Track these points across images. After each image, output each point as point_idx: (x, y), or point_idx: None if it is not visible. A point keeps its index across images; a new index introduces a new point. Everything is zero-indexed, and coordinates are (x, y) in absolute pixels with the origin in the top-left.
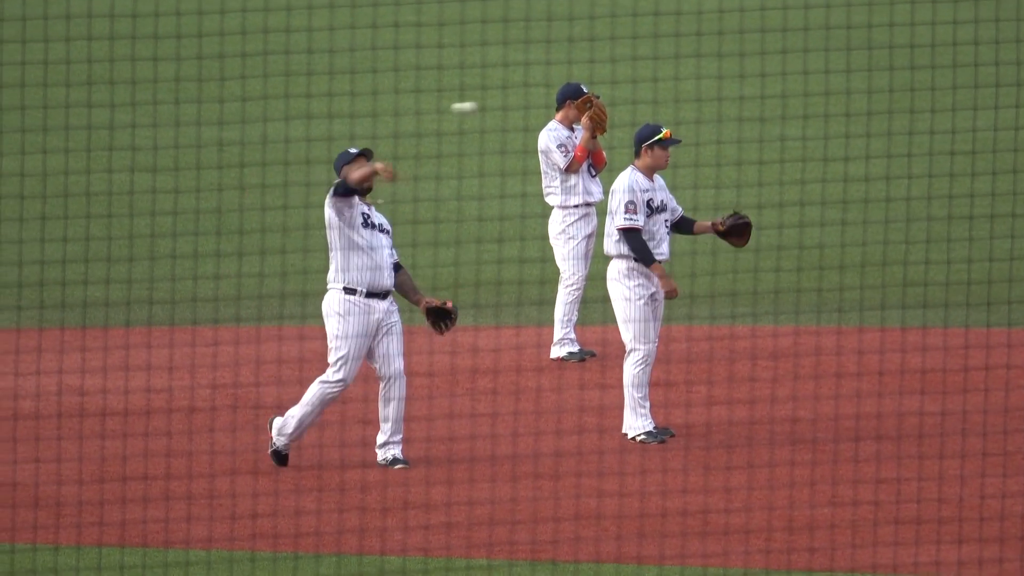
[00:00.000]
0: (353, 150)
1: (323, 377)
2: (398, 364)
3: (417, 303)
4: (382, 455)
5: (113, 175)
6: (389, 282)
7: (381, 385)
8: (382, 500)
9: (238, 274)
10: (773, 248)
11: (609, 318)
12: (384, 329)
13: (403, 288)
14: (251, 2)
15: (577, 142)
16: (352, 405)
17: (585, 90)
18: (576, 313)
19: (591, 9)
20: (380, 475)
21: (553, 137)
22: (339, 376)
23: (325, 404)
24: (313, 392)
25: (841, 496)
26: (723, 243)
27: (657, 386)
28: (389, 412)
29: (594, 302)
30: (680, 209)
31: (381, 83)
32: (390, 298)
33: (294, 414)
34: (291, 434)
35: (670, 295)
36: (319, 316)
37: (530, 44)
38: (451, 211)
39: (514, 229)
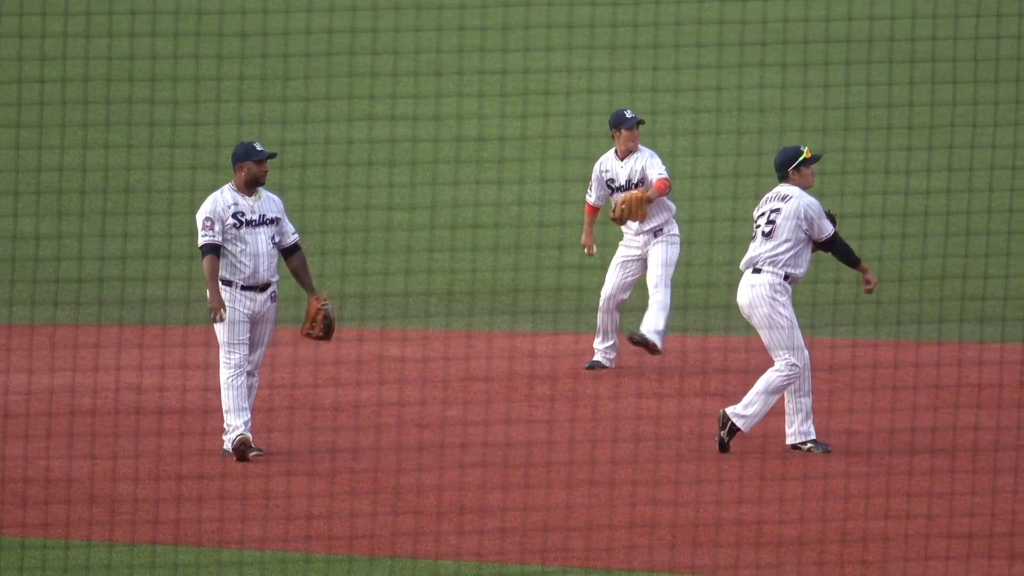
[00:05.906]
0: (258, 146)
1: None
2: (258, 357)
3: (309, 294)
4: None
5: (175, 172)
6: (266, 275)
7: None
8: (437, 504)
9: None
10: (832, 260)
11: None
12: (260, 321)
13: (297, 274)
14: (316, 2)
15: (622, 170)
16: (409, 408)
17: (628, 115)
18: (608, 323)
19: (656, 16)
20: (435, 478)
21: (596, 173)
22: (229, 361)
23: (231, 387)
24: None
25: (894, 509)
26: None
27: (716, 397)
28: (251, 402)
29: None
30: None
31: (445, 86)
32: (269, 290)
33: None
34: (226, 432)
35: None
36: (377, 318)
37: (594, 50)
38: (512, 216)
39: (575, 235)
